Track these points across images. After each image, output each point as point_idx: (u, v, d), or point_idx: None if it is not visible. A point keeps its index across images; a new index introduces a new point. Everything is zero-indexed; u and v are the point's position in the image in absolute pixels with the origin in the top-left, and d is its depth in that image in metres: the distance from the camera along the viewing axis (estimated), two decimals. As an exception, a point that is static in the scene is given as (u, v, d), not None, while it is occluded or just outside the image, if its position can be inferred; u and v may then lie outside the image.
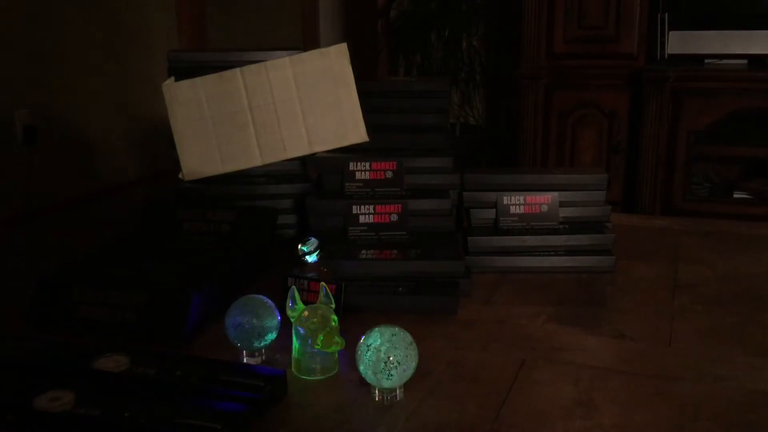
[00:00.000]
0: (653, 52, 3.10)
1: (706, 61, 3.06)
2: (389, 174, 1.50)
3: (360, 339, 0.97)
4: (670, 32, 3.06)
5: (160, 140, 1.80)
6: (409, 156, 1.52)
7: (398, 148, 1.57)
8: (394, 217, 1.43)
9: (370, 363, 0.94)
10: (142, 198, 3.32)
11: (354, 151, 1.55)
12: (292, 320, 1.04)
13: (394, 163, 1.50)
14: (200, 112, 1.55)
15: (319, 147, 1.56)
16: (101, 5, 3.50)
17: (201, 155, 1.56)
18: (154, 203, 1.57)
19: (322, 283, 1.08)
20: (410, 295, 1.26)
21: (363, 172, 1.50)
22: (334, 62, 1.55)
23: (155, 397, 0.94)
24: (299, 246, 1.24)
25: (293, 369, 1.04)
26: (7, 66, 3.02)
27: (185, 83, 1.55)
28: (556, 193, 1.49)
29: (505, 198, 1.49)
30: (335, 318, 1.04)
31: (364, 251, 1.35)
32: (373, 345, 0.95)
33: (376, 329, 0.96)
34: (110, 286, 1.20)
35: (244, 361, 1.08)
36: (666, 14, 3.05)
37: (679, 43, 3.07)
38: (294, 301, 1.04)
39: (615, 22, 3.09)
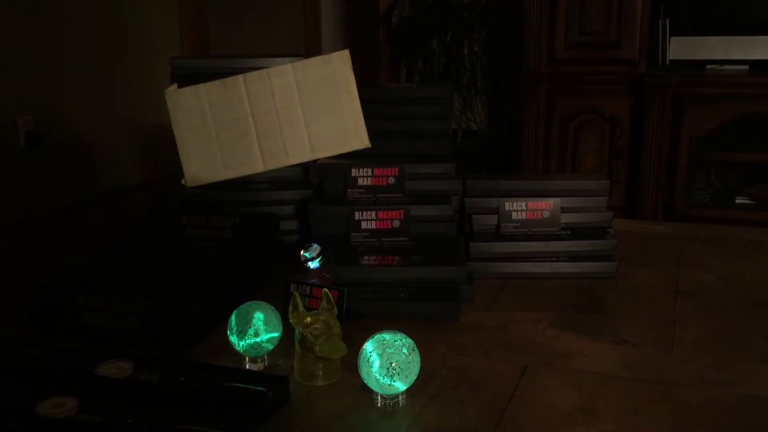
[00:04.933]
0: (654, 58, 3.10)
1: (708, 66, 3.07)
2: (391, 180, 1.51)
3: (362, 345, 0.97)
4: (672, 38, 3.07)
5: (163, 146, 1.80)
6: (411, 162, 1.53)
7: (400, 154, 1.57)
8: (396, 223, 1.44)
9: (373, 369, 0.94)
10: (145, 204, 3.33)
11: (356, 157, 1.56)
12: (295, 326, 1.04)
13: (396, 169, 1.50)
14: (203, 119, 1.55)
15: (322, 153, 1.57)
16: (104, 12, 3.51)
17: (204, 161, 1.57)
18: (157, 209, 1.57)
19: (325, 289, 1.09)
20: (412, 301, 1.26)
21: (365, 178, 1.51)
22: (336, 69, 1.55)
23: (158, 404, 0.94)
24: (302, 252, 1.24)
25: (296, 375, 1.05)
26: (9, 72, 3.03)
27: (188, 90, 1.55)
28: (557, 199, 1.49)
29: (507, 204, 1.49)
30: (338, 324, 1.04)
31: (366, 257, 1.36)
32: (375, 351, 0.95)
33: (378, 335, 0.96)
34: (113, 292, 1.20)
35: (247, 367, 1.08)
36: (667, 20, 3.05)
37: (680, 48, 3.07)
38: (296, 307, 1.05)
39: (616, 28, 3.10)
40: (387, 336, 0.96)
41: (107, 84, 3.54)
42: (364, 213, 1.44)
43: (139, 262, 1.37)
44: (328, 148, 1.56)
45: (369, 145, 1.56)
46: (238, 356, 1.09)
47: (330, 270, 1.26)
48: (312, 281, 1.20)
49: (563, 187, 1.52)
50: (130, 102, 3.68)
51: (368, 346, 0.96)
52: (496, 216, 1.50)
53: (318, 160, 1.57)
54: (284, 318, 1.09)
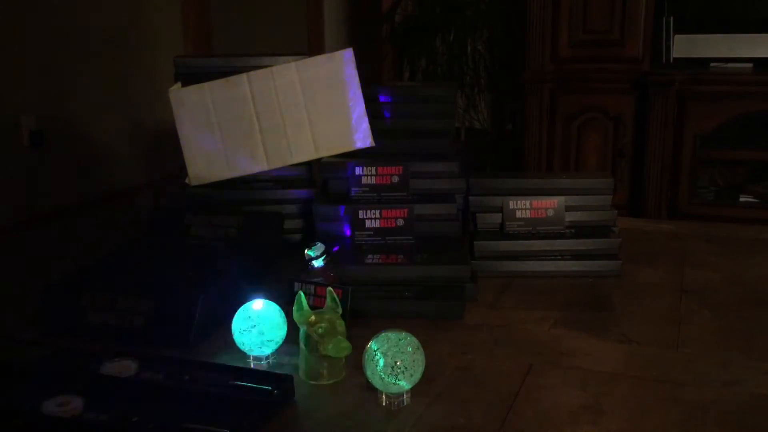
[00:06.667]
0: (658, 56, 3.10)
1: (712, 64, 3.06)
2: (395, 179, 1.50)
3: (367, 344, 0.97)
4: (675, 36, 3.06)
5: (167, 145, 1.80)
6: (414, 160, 1.52)
7: (404, 153, 1.57)
8: (400, 222, 1.44)
9: (377, 368, 0.94)
10: (149, 203, 3.33)
11: (360, 155, 1.55)
12: (300, 325, 1.04)
13: (400, 167, 1.50)
14: (207, 117, 1.55)
15: (326, 152, 1.57)
16: (107, 11, 3.51)
17: (207, 160, 1.57)
18: (161, 208, 1.57)
19: (329, 288, 1.09)
20: (417, 299, 1.26)
21: (369, 177, 1.51)
22: (339, 67, 1.55)
23: (163, 402, 0.94)
24: (306, 251, 1.24)
25: (300, 374, 1.05)
26: (14, 72, 3.04)
27: (192, 88, 1.55)
28: (562, 198, 1.49)
29: (511, 202, 1.49)
30: (342, 323, 1.04)
31: (370, 256, 1.36)
32: (380, 350, 0.95)
33: (383, 334, 0.96)
34: (118, 291, 1.20)
35: (252, 366, 1.08)
36: (671, 18, 3.05)
37: (684, 46, 3.07)
38: (301, 306, 1.05)
39: (620, 26, 3.09)
40: (391, 335, 0.96)
41: (111, 83, 3.54)
42: (368, 212, 1.44)
43: (143, 261, 1.37)
44: (331, 147, 1.56)
45: (373, 144, 1.56)
46: (243, 355, 1.09)
47: (334, 269, 1.26)
48: (316, 280, 1.20)
49: (567, 186, 1.52)
50: (134, 101, 3.68)
51: (373, 345, 0.96)
52: (500, 214, 1.50)
53: (322, 158, 1.57)
54: (289, 317, 1.09)
